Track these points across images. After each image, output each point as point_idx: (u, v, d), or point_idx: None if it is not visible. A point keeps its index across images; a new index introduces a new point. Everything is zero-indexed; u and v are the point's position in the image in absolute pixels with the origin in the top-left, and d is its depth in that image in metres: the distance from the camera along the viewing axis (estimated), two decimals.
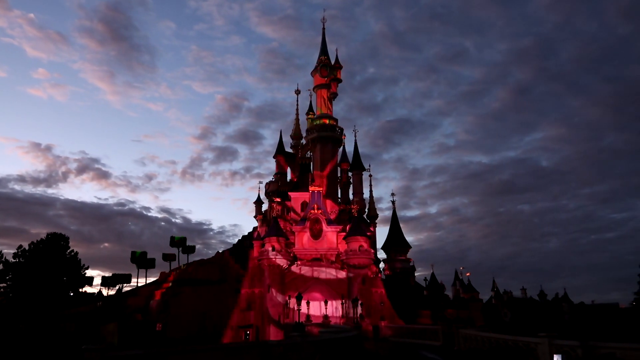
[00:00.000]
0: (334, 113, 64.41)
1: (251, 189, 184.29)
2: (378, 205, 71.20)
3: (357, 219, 55.74)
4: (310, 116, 69.24)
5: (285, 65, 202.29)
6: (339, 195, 63.28)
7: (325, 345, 21.81)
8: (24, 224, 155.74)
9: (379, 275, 60.56)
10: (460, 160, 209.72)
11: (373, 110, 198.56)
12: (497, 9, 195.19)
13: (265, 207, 64.85)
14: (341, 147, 66.48)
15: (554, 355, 19.38)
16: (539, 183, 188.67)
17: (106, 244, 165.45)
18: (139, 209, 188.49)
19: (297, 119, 71.00)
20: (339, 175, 64.45)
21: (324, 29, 68.38)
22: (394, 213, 68.19)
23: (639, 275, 63.74)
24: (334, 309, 50.82)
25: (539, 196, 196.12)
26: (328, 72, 63.65)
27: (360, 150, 70.18)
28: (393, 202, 69.24)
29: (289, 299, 49.41)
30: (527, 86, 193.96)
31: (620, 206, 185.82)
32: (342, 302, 50.55)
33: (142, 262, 69.43)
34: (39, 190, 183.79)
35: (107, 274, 75.90)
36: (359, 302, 46.94)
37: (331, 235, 55.38)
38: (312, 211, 55.70)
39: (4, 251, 63.96)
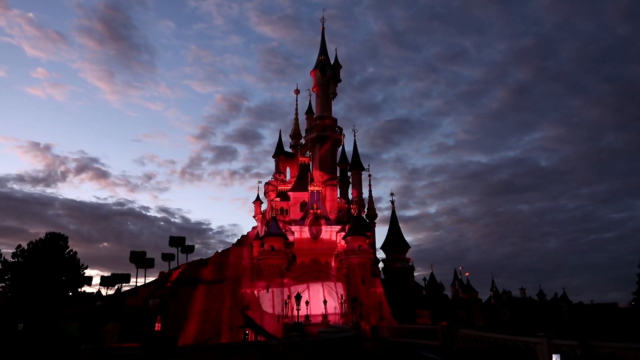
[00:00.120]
0: (333, 113, 64.39)
1: (250, 189, 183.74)
2: (377, 205, 71.30)
3: (357, 218, 55.76)
4: (309, 116, 69.21)
5: (285, 65, 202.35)
6: (338, 195, 63.29)
7: (324, 345, 21.81)
8: (22, 223, 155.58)
9: (378, 275, 60.63)
10: (459, 160, 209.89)
11: (372, 110, 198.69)
12: (496, 9, 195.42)
13: (264, 206, 64.82)
14: (340, 147, 66.54)
15: (553, 355, 19.41)
16: (538, 183, 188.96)
17: (105, 244, 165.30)
18: (138, 209, 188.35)
19: (297, 119, 70.97)
20: (338, 175, 64.45)
21: (323, 28, 68.41)
22: (393, 213, 68.21)
23: (637, 275, 63.77)
24: (332, 308, 50.85)
25: (538, 196, 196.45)
26: (327, 71, 63.65)
27: (359, 150, 70.45)
28: (392, 202, 69.26)
29: (288, 298, 49.41)
30: (526, 86, 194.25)
31: (620, 206, 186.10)
32: (341, 302, 50.57)
33: (141, 261, 69.29)
34: (38, 189, 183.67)
35: (106, 274, 75.84)
36: (358, 302, 46.95)
37: (330, 235, 55.40)
38: (312, 211, 55.72)
39: (3, 251, 63.86)
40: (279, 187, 63.43)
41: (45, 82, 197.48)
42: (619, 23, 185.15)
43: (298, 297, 41.51)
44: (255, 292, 52.58)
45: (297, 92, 71.33)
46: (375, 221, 68.40)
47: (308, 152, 64.97)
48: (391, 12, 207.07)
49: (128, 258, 69.39)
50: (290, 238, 54.94)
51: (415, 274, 67.01)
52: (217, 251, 66.34)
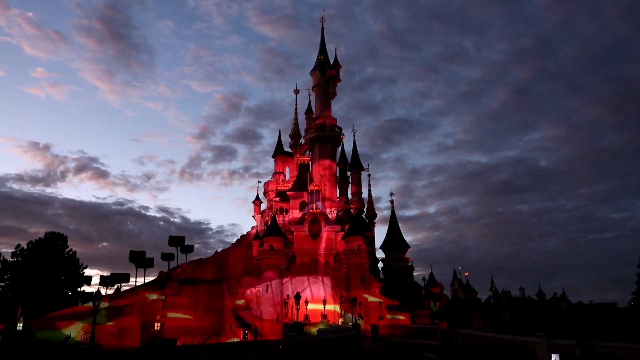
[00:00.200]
0: (332, 113, 64.39)
1: (250, 189, 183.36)
2: (377, 205, 71.26)
3: (356, 218, 55.78)
4: (309, 115, 69.20)
5: (284, 65, 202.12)
6: (338, 195, 63.29)
7: (324, 345, 21.81)
8: (22, 223, 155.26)
9: (378, 274, 60.65)
10: (459, 160, 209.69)
11: (372, 110, 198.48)
12: (496, 8, 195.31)
13: (264, 206, 64.81)
14: (340, 147, 66.54)
15: (552, 355, 19.42)
16: (538, 183, 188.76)
17: (104, 243, 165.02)
18: (137, 208, 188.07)
19: (296, 119, 70.96)
20: (337, 175, 64.45)
21: (322, 28, 68.39)
22: (393, 213, 68.16)
23: (637, 275, 63.82)
24: (332, 308, 50.87)
25: (538, 196, 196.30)
26: (327, 71, 63.66)
27: (359, 150, 70.43)
28: (392, 201, 69.21)
29: (288, 298, 49.41)
30: (526, 86, 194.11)
31: (619, 206, 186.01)
32: (340, 301, 50.57)
33: (141, 261, 69.23)
34: (37, 189, 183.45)
35: (105, 273, 75.74)
36: (358, 301, 46.96)
37: (330, 234, 55.41)
38: (311, 211, 55.72)
39: (2, 250, 64.07)
40: (279, 187, 63.43)
41: (44, 82, 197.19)
42: (619, 23, 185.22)
43: (297, 297, 41.52)
44: (255, 291, 52.60)
45: (296, 91, 71.33)
46: (375, 221, 68.41)
47: (307, 151, 64.96)
48: (391, 12, 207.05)
49: (127, 258, 69.29)
50: (290, 238, 54.94)
51: (414, 273, 67.03)
52: (217, 251, 66.29)
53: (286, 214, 59.29)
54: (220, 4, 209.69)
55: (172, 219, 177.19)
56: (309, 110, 70.32)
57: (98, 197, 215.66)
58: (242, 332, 48.76)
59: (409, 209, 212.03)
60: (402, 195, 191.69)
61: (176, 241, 71.17)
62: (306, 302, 46.59)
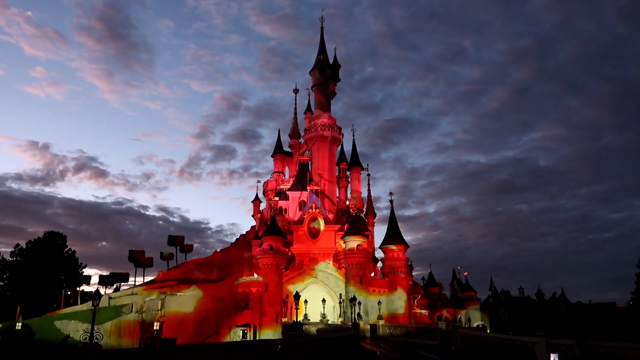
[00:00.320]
0: (332, 112, 64.43)
1: (249, 188, 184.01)
2: (376, 205, 71.25)
3: (355, 218, 55.77)
4: (308, 115, 69.20)
5: (284, 64, 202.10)
6: (337, 195, 63.29)
7: (323, 345, 21.81)
8: (21, 222, 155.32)
9: (377, 274, 60.62)
10: (458, 160, 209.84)
11: (371, 109, 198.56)
12: (496, 8, 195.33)
13: (263, 206, 64.81)
14: (339, 147, 66.56)
15: (551, 355, 19.41)
16: (537, 183, 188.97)
17: (104, 243, 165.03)
18: (136, 208, 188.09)
19: (296, 118, 70.97)
20: (337, 174, 64.46)
21: (322, 28, 68.46)
22: (392, 212, 68.19)
23: (636, 275, 63.89)
24: (331, 308, 50.89)
25: (537, 196, 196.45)
26: (326, 71, 63.65)
27: (358, 149, 70.42)
28: (391, 201, 69.22)
29: (287, 298, 49.41)
30: (525, 86, 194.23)
31: (618, 206, 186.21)
32: (339, 301, 50.58)
33: (140, 261, 69.21)
34: (37, 188, 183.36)
35: (104, 273, 75.63)
36: (357, 301, 46.95)
37: (329, 234, 55.42)
38: (310, 210, 55.72)
39: (1, 250, 64.05)
40: (278, 187, 63.44)
41: (43, 81, 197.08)
42: (618, 23, 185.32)
43: (297, 297, 41.50)
44: (254, 291, 52.58)
45: (296, 91, 71.35)
46: (374, 220, 68.43)
47: (307, 151, 64.97)
48: (390, 12, 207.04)
49: (127, 257, 69.32)
50: (289, 237, 54.94)
51: (414, 273, 67.05)
52: (216, 250, 66.30)
53: (285, 213, 59.29)
54: (219, 3, 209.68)
55: (171, 219, 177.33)
56: (308, 110, 70.34)
57: (97, 197, 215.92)
58: (241, 331, 48.73)
59: (408, 209, 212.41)
60: (401, 195, 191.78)
61: (175, 241, 71.20)
62: (305, 302, 46.59)
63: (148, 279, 68.76)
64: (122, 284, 72.65)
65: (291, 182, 62.41)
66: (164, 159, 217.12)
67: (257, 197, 65.89)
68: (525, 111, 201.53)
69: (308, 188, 57.65)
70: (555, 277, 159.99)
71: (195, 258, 67.24)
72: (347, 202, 63.05)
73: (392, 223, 62.77)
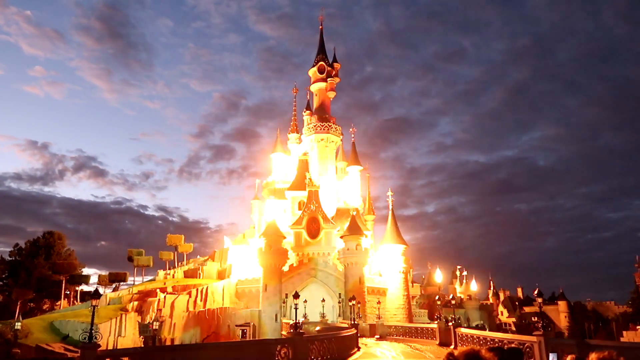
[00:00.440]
0: (331, 111, 64.48)
1: (248, 188, 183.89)
2: (375, 204, 71.32)
3: (355, 217, 55.76)
4: (308, 114, 69.21)
5: (283, 64, 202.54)
6: (337, 194, 63.31)
7: (322, 344, 21.83)
8: (20, 222, 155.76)
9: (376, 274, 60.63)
10: (457, 159, 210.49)
11: (371, 108, 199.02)
12: (494, 8, 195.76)
13: (262, 205, 64.81)
14: (339, 146, 66.54)
15: (550, 354, 19.44)
16: (536, 182, 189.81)
17: (103, 242, 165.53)
18: (135, 208, 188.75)
19: (295, 117, 71.01)
20: (336, 174, 64.49)
21: (322, 27, 68.43)
22: (392, 212, 68.29)
23: (634, 274, 64.05)
24: (330, 307, 50.85)
25: (536, 195, 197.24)
26: (326, 70, 63.67)
27: (357, 149, 70.36)
28: (391, 201, 69.31)
29: (286, 297, 49.41)
30: (524, 85, 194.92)
31: (617, 205, 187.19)
32: (339, 300, 50.57)
33: (139, 260, 69.40)
34: (36, 188, 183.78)
35: (103, 273, 75.75)
36: (356, 300, 46.94)
37: (328, 234, 55.41)
38: (310, 210, 55.70)
39: (1, 249, 63.97)
40: (277, 186, 63.44)
41: (42, 81, 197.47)
42: (617, 23, 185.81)
43: (296, 296, 41.46)
44: (254, 290, 52.62)
45: (295, 90, 71.34)
46: (374, 220, 68.48)
47: (306, 151, 64.99)
48: (390, 11, 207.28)
49: (126, 256, 69.38)
50: (288, 237, 54.94)
51: (413, 272, 67.13)
52: (215, 250, 66.30)
53: (285, 213, 59.30)
54: (219, 2, 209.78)
55: (170, 218, 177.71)
56: (307, 109, 70.37)
57: (96, 196, 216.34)
58: (240, 330, 48.76)
59: (407, 208, 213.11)
60: (401, 195, 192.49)
61: (174, 240, 71.29)
62: (305, 301, 46.58)
63: (147, 278, 68.87)
64: (121, 283, 72.81)
65: (291, 182, 62.40)
66: (163, 159, 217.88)
67: (256, 197, 65.90)
68: (524, 111, 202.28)
69: (307, 188, 57.65)
70: (555, 276, 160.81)
71: (194, 258, 67.33)
72: (347, 202, 63.05)
73: (392, 223, 62.93)
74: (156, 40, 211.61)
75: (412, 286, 62.33)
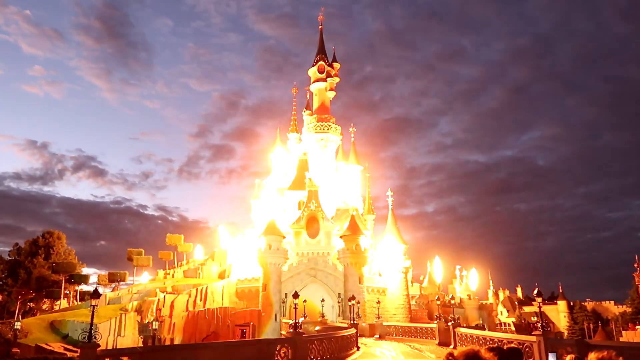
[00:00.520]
0: (331, 111, 64.50)
1: (248, 187, 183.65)
2: (375, 204, 71.37)
3: (354, 217, 55.77)
4: (307, 114, 69.23)
5: (283, 63, 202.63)
6: (336, 194, 63.29)
7: (322, 344, 21.83)
8: (19, 221, 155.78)
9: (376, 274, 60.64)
10: (457, 159, 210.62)
11: (371, 108, 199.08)
12: (494, 7, 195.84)
13: (262, 205, 64.79)
14: (338, 146, 66.55)
15: (549, 354, 19.46)
16: (536, 182, 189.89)
17: (102, 242, 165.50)
18: (135, 207, 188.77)
19: (295, 117, 71.02)
20: (335, 173, 64.49)
21: (321, 27, 68.41)
22: (391, 211, 68.31)
23: (633, 274, 64.10)
24: (330, 307, 50.85)
25: (536, 195, 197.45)
26: (325, 70, 63.67)
27: (357, 148, 70.39)
28: (390, 200, 69.33)
29: (286, 297, 49.42)
30: (524, 85, 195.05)
31: (617, 205, 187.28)
32: (338, 300, 50.59)
33: (139, 260, 69.39)
34: (35, 187, 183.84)
35: (103, 272, 75.80)
36: (356, 300, 46.95)
37: (328, 233, 55.43)
38: (309, 210, 55.70)
39: (0, 249, 63.93)
40: (277, 186, 63.45)
41: (42, 80, 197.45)
42: (616, 23, 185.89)
43: (295, 296, 41.46)
44: (253, 290, 52.62)
45: (295, 90, 71.36)
46: (373, 220, 68.50)
47: (306, 150, 65.01)
48: (389, 11, 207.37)
49: (125, 256, 69.35)
50: (288, 236, 54.95)
51: (412, 272, 67.12)
52: (215, 250, 66.28)
53: (284, 212, 59.31)
54: (218, 2, 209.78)
55: (170, 218, 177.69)
56: (307, 109, 70.38)
57: (96, 196, 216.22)
58: (240, 330, 48.75)
59: (407, 208, 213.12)
60: (400, 194, 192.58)
61: (174, 240, 71.25)
62: (304, 301, 46.57)
63: (147, 278, 68.85)
64: (121, 282, 72.80)
65: (290, 181, 62.41)
66: (162, 158, 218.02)
67: (256, 196, 65.89)
68: (523, 110, 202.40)
69: (307, 187, 57.65)
70: (554, 276, 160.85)
71: (193, 257, 67.27)
72: (346, 202, 63.07)
73: (391, 222, 62.95)
74: (156, 39, 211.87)
75: (412, 286, 62.37)
